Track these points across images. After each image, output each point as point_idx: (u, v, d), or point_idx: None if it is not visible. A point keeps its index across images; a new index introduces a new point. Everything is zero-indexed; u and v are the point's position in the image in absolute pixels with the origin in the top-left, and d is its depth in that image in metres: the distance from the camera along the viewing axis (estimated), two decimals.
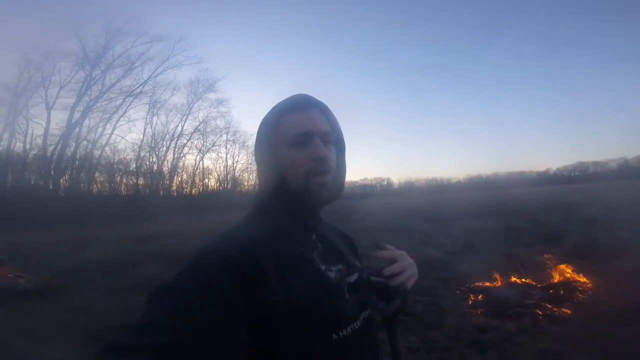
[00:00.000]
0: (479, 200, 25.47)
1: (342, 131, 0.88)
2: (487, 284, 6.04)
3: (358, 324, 0.73)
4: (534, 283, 5.67)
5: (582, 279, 5.48)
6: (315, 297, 0.68)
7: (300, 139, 0.76)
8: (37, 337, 3.92)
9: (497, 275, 6.19)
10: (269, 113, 0.82)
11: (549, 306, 4.55)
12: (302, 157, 0.76)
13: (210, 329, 0.54)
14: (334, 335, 0.68)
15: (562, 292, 5.12)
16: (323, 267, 0.74)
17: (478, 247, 8.95)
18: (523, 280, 5.89)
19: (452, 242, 10.16)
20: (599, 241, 7.50)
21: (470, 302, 5.20)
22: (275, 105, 0.82)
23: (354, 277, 0.79)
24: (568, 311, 4.41)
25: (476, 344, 3.61)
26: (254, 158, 0.86)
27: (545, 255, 6.99)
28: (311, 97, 0.82)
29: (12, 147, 26.30)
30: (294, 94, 0.82)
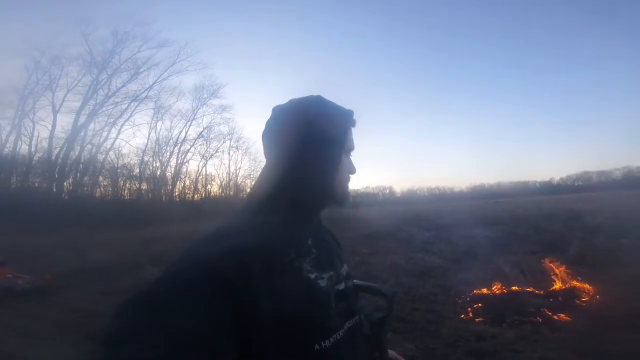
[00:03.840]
0: (481, 208, 25.35)
1: None
2: (487, 291, 5.98)
3: (341, 333, 0.71)
4: (535, 291, 5.60)
5: (585, 286, 5.42)
6: (300, 308, 0.65)
7: (350, 152, 0.85)
8: (32, 337, 3.91)
9: (497, 283, 6.12)
10: (328, 116, 0.80)
11: (550, 314, 4.48)
12: (349, 166, 0.84)
13: (192, 342, 0.50)
14: (316, 345, 0.66)
15: (563, 299, 5.05)
16: (313, 276, 0.71)
17: (479, 254, 8.87)
18: (524, 288, 5.83)
19: (452, 249, 10.11)
20: (602, 249, 7.43)
21: (469, 310, 5.14)
22: (337, 111, 0.82)
23: (342, 285, 0.78)
24: (569, 318, 4.35)
25: (474, 351, 3.54)
26: (291, 149, 0.77)
27: (547, 263, 6.92)
28: None
29: (17, 149, 26.47)
30: (349, 108, 0.83)
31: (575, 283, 5.64)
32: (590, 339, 3.63)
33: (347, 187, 0.84)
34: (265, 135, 0.81)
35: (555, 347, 3.52)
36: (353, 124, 0.84)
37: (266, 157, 0.82)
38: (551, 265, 6.62)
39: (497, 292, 5.93)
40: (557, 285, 5.73)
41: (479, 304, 5.29)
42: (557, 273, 6.08)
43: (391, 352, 0.97)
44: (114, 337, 0.50)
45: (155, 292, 0.56)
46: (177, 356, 0.49)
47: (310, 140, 0.76)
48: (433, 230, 13.63)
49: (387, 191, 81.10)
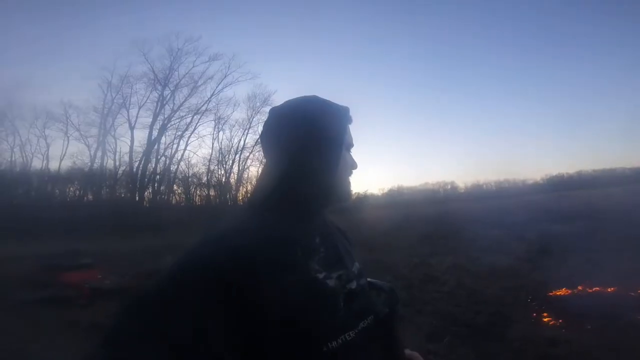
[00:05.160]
0: (558, 202, 23.07)
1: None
2: (565, 292, 5.44)
3: (351, 334, 0.69)
4: (624, 292, 4.97)
5: None
6: (306, 308, 0.64)
7: (350, 148, 0.84)
8: None
9: (577, 284, 5.56)
10: (328, 116, 0.80)
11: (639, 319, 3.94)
12: (350, 162, 0.83)
13: (194, 345, 0.50)
14: (324, 347, 0.64)
15: None
16: (322, 275, 0.70)
17: (557, 253, 8.11)
18: (609, 289, 5.20)
19: (525, 248, 9.36)
20: None
21: (542, 313, 4.71)
22: (334, 109, 0.81)
23: (353, 284, 0.75)
24: None
25: (543, 358, 3.24)
26: (293, 150, 0.76)
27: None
28: None
29: (104, 164, 29.98)
30: (345, 105, 0.84)
31: None
32: None
33: (349, 183, 0.83)
34: (264, 136, 0.81)
35: None
36: (349, 120, 0.83)
37: (266, 158, 0.83)
38: None
39: (576, 293, 5.39)
40: None
41: (554, 307, 4.84)
42: None
43: (412, 353, 0.92)
44: (115, 339, 0.51)
45: (157, 294, 0.57)
46: (178, 359, 0.49)
47: (309, 139, 0.76)
48: (502, 228, 12.65)
49: (449, 187, 76.74)
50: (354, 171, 0.85)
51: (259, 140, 0.85)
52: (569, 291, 5.52)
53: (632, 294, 4.98)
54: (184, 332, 0.51)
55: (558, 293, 5.54)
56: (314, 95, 0.83)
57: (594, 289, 5.41)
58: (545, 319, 4.53)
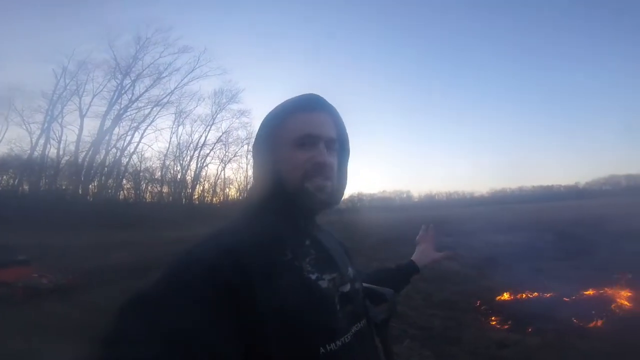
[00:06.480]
0: (503, 214, 24.73)
1: (349, 137, 0.84)
2: (510, 297, 5.81)
3: (348, 337, 0.69)
4: (561, 297, 5.40)
5: (619, 293, 5.19)
6: (302, 308, 0.64)
7: (305, 141, 0.74)
8: (53, 335, 4.01)
9: (520, 290, 5.95)
10: (274, 110, 0.78)
11: (578, 321, 4.32)
12: (302, 159, 0.73)
13: (191, 344, 0.51)
14: (321, 349, 0.64)
15: (594, 306, 4.85)
16: (314, 276, 0.69)
17: (501, 261, 8.66)
18: (549, 294, 5.63)
19: (474, 255, 9.88)
20: (635, 255, 7.09)
21: (491, 317, 4.99)
22: (283, 103, 0.78)
23: (347, 287, 0.75)
24: (601, 326, 4.18)
25: (495, 359, 3.44)
26: (252, 156, 0.82)
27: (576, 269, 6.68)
28: (322, 98, 0.79)
29: (46, 152, 27.43)
30: (304, 93, 0.78)
31: (607, 290, 5.41)
32: (623, 347, 3.46)
33: (304, 176, 0.73)
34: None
35: (582, 356, 3.38)
36: (301, 109, 0.76)
37: None
38: (577, 271, 6.39)
39: (520, 298, 5.77)
40: (585, 292, 5.51)
41: (501, 311, 5.14)
42: (585, 280, 5.86)
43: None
44: (113, 338, 0.51)
45: (155, 293, 0.57)
46: (176, 358, 0.49)
47: (257, 139, 0.79)
48: (453, 236, 13.31)
49: (405, 195, 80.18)
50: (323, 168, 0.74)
51: None
52: (513, 296, 5.91)
53: (567, 299, 5.42)
54: (180, 331, 0.51)
55: (503, 298, 5.90)
56: (309, 93, 0.79)
57: (534, 295, 5.82)
58: (493, 322, 4.81)
